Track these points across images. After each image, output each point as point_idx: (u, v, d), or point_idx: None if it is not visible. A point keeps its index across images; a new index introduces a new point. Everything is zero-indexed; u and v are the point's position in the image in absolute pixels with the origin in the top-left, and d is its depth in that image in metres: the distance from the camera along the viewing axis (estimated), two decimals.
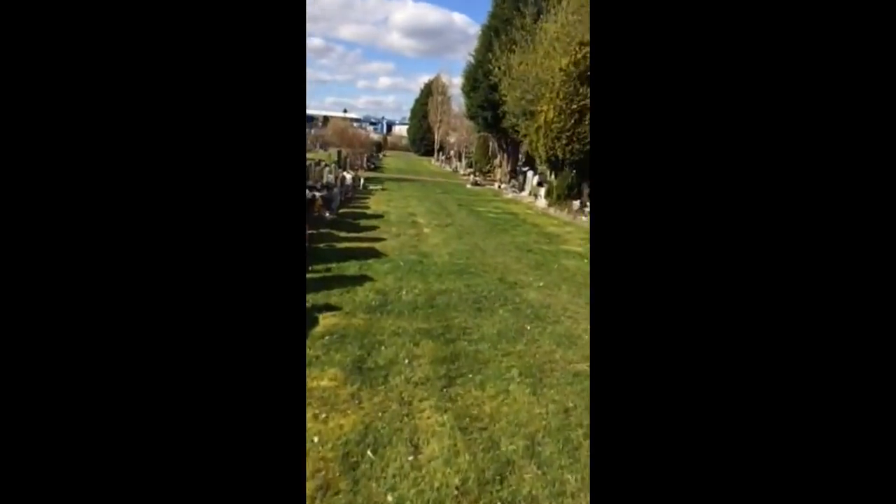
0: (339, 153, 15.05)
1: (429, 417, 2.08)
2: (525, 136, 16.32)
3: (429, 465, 1.76)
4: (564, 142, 9.70)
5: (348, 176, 12.45)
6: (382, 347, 2.78)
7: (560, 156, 9.96)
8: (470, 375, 2.51)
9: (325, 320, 3.11)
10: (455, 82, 33.53)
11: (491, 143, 23.60)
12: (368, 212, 8.45)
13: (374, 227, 6.90)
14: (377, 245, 5.64)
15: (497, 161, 23.90)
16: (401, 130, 54.72)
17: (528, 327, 3.30)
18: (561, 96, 9.73)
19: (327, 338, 2.83)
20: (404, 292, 3.89)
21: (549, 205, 10.87)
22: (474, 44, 20.06)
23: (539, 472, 1.76)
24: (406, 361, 2.61)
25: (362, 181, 13.18)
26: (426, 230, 7.08)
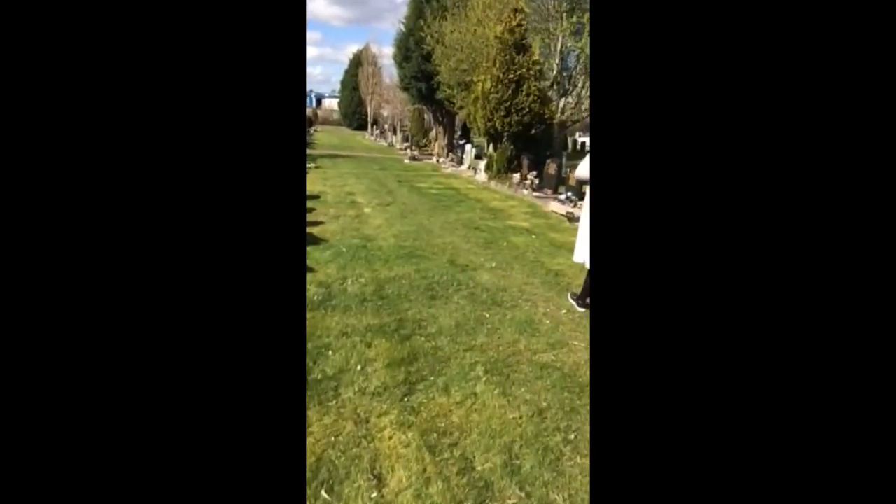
0: None
1: (391, 437, 1.81)
2: (461, 107, 15.99)
3: (396, 499, 1.51)
4: (503, 113, 9.51)
5: None
6: (330, 352, 2.45)
7: (499, 128, 9.79)
8: (432, 378, 2.26)
9: None
10: (385, 52, 32.29)
11: (426, 116, 23.02)
12: None
13: (310, 210, 6.37)
14: (315, 230, 5.18)
15: (433, 134, 23.44)
16: (331, 104, 52.26)
17: (487, 315, 3.10)
18: (497, 65, 9.47)
19: None
20: (350, 283, 3.55)
21: (490, 178, 10.74)
22: (403, 11, 19.18)
23: (522, 495, 1.56)
24: (358, 368, 2.31)
25: None
26: (367, 210, 6.66)
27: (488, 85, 9.57)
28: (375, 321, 2.89)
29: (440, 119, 21.29)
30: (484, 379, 2.29)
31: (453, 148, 18.10)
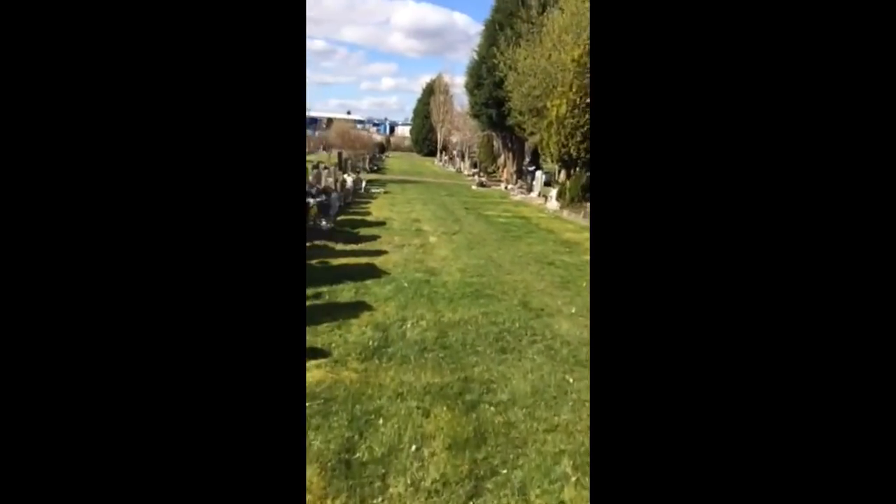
0: (340, 155, 14.33)
1: None
2: (532, 133, 15.58)
3: None
4: (579, 139, 8.95)
5: (349, 179, 11.74)
6: (381, 420, 2.05)
7: (573, 154, 9.21)
8: (504, 472, 1.78)
9: (308, 374, 2.39)
10: (457, 82, 32.98)
11: (495, 142, 22.87)
12: (369, 218, 7.73)
13: (374, 237, 6.18)
14: (378, 260, 4.93)
15: (501, 160, 23.18)
16: (404, 131, 54.17)
17: (570, 380, 2.56)
18: (574, 90, 8.98)
19: (307, 404, 2.11)
20: (409, 326, 3.17)
21: (562, 207, 10.11)
22: (476, 42, 19.36)
23: None
24: (413, 448, 1.88)
25: (364, 184, 12.47)
26: (432, 239, 6.35)
27: (563, 109, 9.09)
28: (436, 379, 2.46)
29: (509, 145, 21.00)
30: (573, 477, 1.76)
31: (522, 174, 17.65)
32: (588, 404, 2.32)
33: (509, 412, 2.19)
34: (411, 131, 45.71)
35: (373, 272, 4.45)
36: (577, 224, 8.58)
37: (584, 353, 2.89)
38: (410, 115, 46.00)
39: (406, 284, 4.11)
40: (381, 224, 7.30)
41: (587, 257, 5.78)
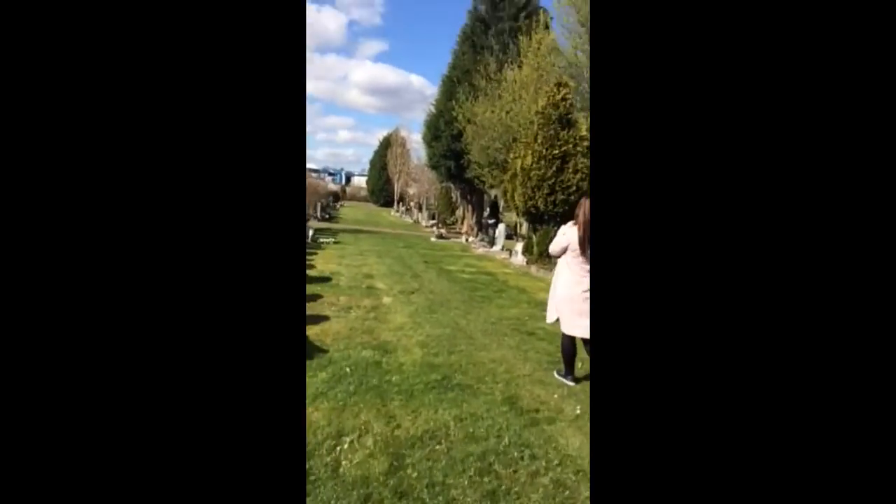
0: None
1: None
2: (492, 186, 15.25)
3: None
4: (546, 191, 8.41)
5: None
6: None
7: (541, 207, 8.63)
8: None
9: None
10: (414, 138, 33.26)
11: (454, 194, 22.56)
12: (312, 273, 6.60)
13: (316, 297, 5.07)
14: (314, 330, 3.82)
15: (461, 212, 22.80)
16: (360, 181, 53.95)
17: None
18: (539, 141, 8.54)
19: None
20: (346, 450, 2.08)
21: (529, 263, 9.41)
22: (432, 102, 19.43)
23: None
24: None
25: (311, 233, 11.34)
26: (387, 300, 5.32)
27: (529, 160, 8.59)
28: None
29: (468, 197, 20.69)
30: None
31: (482, 227, 17.15)
32: None
33: None
34: (368, 181, 45.47)
35: (307, 348, 3.33)
36: (547, 281, 7.83)
37: None
38: (367, 167, 45.95)
39: (348, 369, 3.03)
40: (325, 280, 6.18)
41: None
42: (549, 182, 8.35)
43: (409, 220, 25.09)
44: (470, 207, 20.23)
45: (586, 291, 2.87)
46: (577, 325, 2.89)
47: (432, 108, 19.44)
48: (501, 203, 16.97)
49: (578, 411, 2.66)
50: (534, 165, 8.51)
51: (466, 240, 14.85)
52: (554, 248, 3.02)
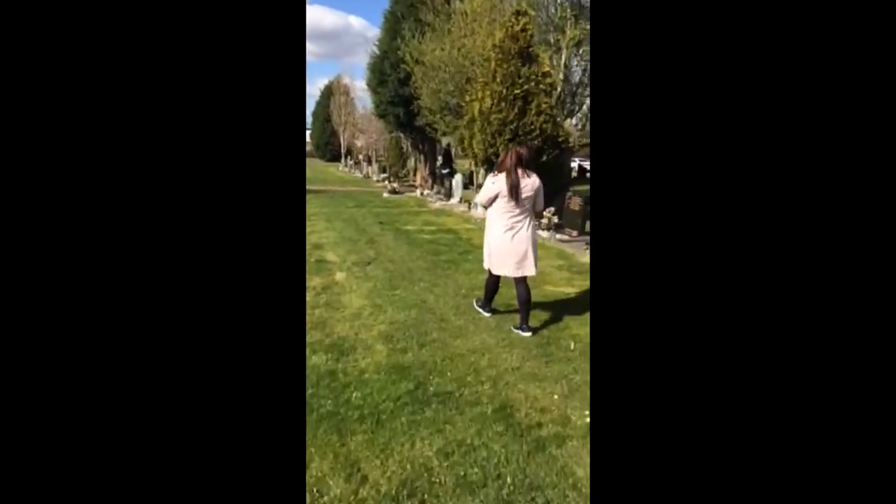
0: None
1: None
2: (444, 133, 14.29)
3: None
4: (508, 136, 7.67)
5: None
6: None
7: (501, 154, 7.94)
8: None
9: None
10: (358, 85, 30.90)
11: (404, 144, 21.32)
12: None
13: None
14: None
15: (412, 164, 21.70)
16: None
17: None
18: (498, 80, 7.69)
19: None
20: None
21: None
22: (375, 43, 17.66)
23: None
24: None
25: None
26: (340, 276, 4.59)
27: (488, 103, 7.76)
28: None
29: (420, 147, 19.58)
30: None
31: (437, 178, 16.30)
32: None
33: None
34: (311, 136, 42.64)
35: None
36: None
37: None
38: (310, 120, 43.00)
39: None
40: None
41: (550, 288, 4.40)
42: (511, 126, 7.60)
43: (358, 174, 23.69)
44: (422, 157, 19.20)
45: (514, 233, 3.08)
46: (507, 264, 3.14)
47: (375, 50, 17.74)
48: (456, 151, 16.11)
49: (588, 419, 2.15)
50: (493, 108, 7.69)
51: (421, 193, 14.03)
52: (484, 198, 3.16)
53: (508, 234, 3.09)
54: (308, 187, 15.47)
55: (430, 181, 16.26)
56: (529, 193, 3.02)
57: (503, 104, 7.63)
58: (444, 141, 18.28)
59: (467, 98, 8.92)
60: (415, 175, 18.40)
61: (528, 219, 3.08)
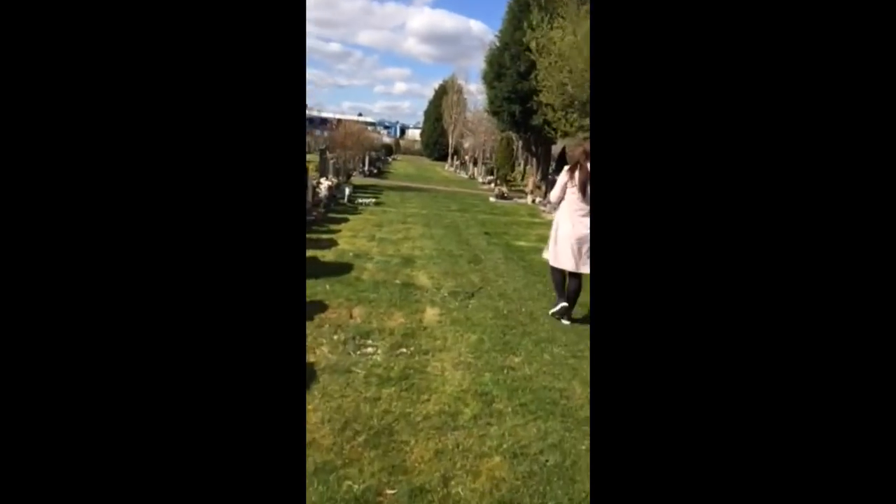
0: (322, 153, 11.13)
1: None
2: (565, 134, 12.45)
3: None
4: None
5: (323, 184, 8.62)
6: None
7: None
8: None
9: None
10: (471, 88, 30.07)
11: (515, 146, 19.72)
12: (326, 256, 4.55)
13: (317, 306, 3.02)
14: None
15: (521, 167, 20.02)
16: (414, 134, 51.58)
17: None
18: None
19: None
20: None
21: None
22: (496, 34, 16.28)
23: None
24: None
25: (347, 192, 9.33)
26: (431, 313, 3.18)
27: None
28: None
29: (532, 149, 17.83)
30: None
31: (550, 185, 14.49)
32: None
33: None
34: (421, 134, 43.07)
35: None
36: None
37: None
38: (422, 119, 43.53)
39: None
40: (341, 270, 4.11)
41: None
42: None
43: (463, 175, 22.62)
44: (534, 161, 17.46)
45: (581, 228, 3.09)
46: (567, 258, 3.17)
47: (495, 42, 16.39)
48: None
49: None
50: None
51: (533, 200, 12.32)
52: (555, 195, 3.27)
53: (573, 230, 3.12)
54: (411, 184, 14.61)
55: (543, 188, 14.48)
56: None
57: None
58: (561, 144, 16.36)
59: None
60: (527, 179, 16.69)
61: None
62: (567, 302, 3.19)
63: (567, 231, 3.16)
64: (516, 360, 2.57)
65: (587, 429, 1.92)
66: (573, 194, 3.10)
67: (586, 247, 3.08)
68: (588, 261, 3.10)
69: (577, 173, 3.08)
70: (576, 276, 3.18)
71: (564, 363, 2.57)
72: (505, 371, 2.41)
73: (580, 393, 2.23)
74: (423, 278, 4.09)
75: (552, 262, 3.33)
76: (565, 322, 3.18)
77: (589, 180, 2.97)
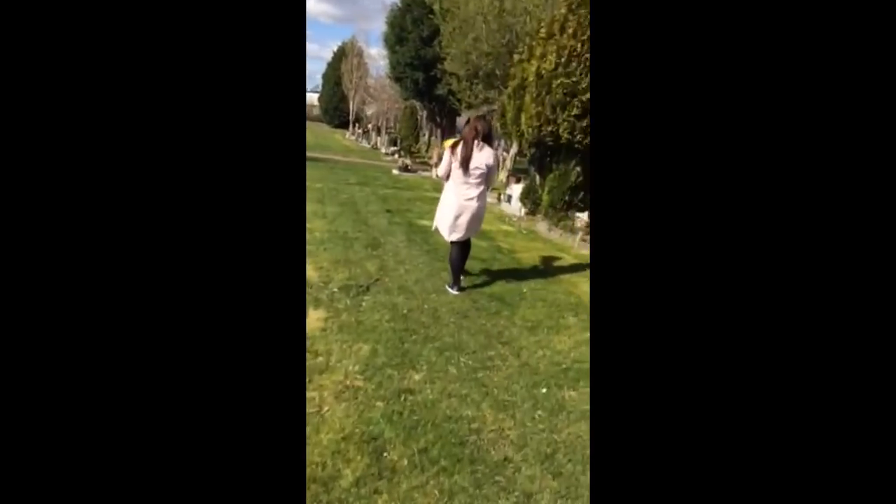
0: None
1: None
2: (469, 106, 12.15)
3: None
4: (576, 112, 5.56)
5: None
6: None
7: (563, 135, 5.81)
8: None
9: None
10: (371, 53, 28.44)
11: (419, 115, 19.05)
12: None
13: None
14: None
15: (426, 138, 19.48)
16: (312, 99, 47.98)
17: None
18: (570, 31, 5.54)
19: None
20: None
21: (533, 215, 6.79)
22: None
23: None
24: None
25: None
26: (316, 317, 2.59)
27: (551, 63, 5.62)
28: None
29: (437, 120, 17.37)
30: None
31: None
32: None
33: None
34: (320, 99, 40.13)
35: None
36: (566, 247, 5.26)
37: None
38: (320, 83, 40.48)
39: None
40: None
41: None
42: (583, 98, 5.48)
43: (366, 144, 21.44)
44: (439, 132, 17.05)
45: (460, 200, 3.26)
46: (443, 225, 3.37)
47: (397, 3, 15.36)
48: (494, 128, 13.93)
49: None
50: (560, 70, 5.56)
51: (437, 175, 11.95)
52: (441, 170, 3.36)
53: (455, 200, 3.27)
54: (308, 154, 13.32)
55: None
56: (480, 167, 3.13)
57: (573, 65, 5.49)
58: (466, 115, 16.08)
59: (517, 57, 6.76)
60: (432, 151, 16.21)
61: (476, 190, 3.22)
62: (450, 271, 3.41)
63: (449, 201, 3.31)
64: (416, 377, 2.12)
65: (501, 479, 1.54)
66: (457, 169, 3.20)
67: (462, 218, 3.26)
68: (461, 232, 3.30)
69: (458, 149, 3.17)
70: (456, 245, 3.35)
71: (473, 378, 2.18)
72: (402, 398, 1.94)
73: (491, 421, 1.85)
74: (308, 270, 3.45)
75: (434, 225, 3.53)
76: (453, 291, 3.31)
77: (471, 157, 3.12)
